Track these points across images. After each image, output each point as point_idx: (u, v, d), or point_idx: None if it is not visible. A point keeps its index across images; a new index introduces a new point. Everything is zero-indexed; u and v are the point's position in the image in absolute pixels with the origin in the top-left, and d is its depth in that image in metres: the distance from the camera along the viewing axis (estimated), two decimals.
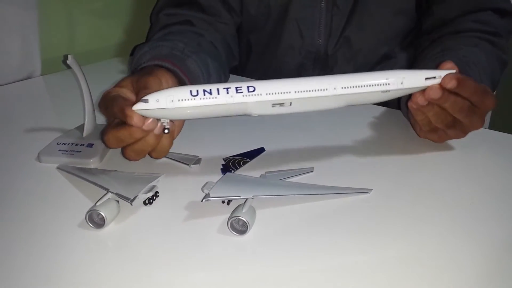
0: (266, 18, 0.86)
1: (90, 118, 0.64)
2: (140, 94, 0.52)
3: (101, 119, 0.66)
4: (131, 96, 0.55)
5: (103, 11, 1.09)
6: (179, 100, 0.50)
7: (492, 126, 1.12)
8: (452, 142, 0.66)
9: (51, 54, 0.97)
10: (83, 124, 0.63)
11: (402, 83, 0.55)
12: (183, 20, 0.82)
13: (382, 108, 0.78)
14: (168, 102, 0.50)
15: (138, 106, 0.50)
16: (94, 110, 0.64)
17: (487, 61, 0.72)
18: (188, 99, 0.50)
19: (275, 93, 0.53)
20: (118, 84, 0.57)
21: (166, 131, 0.52)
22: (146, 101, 0.50)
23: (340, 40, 0.86)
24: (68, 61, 0.59)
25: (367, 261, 0.43)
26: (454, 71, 0.56)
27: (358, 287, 0.40)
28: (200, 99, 0.51)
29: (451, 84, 0.54)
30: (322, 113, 0.75)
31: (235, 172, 0.57)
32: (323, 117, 0.74)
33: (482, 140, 0.68)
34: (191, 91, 0.51)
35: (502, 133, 0.70)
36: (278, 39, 0.87)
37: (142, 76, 0.56)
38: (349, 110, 0.77)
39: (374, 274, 0.41)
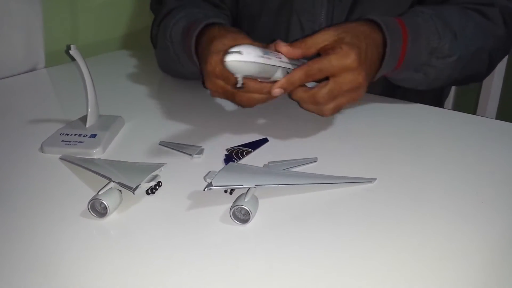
0: (261, 8, 0.86)
1: (93, 109, 0.64)
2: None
3: (104, 110, 0.66)
4: None
5: (107, 4, 1.09)
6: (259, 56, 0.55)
7: (499, 117, 1.11)
8: (459, 132, 0.65)
9: (55, 46, 0.97)
10: (86, 115, 0.63)
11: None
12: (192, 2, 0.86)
13: (387, 98, 0.78)
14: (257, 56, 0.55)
15: (235, 58, 0.53)
16: (97, 101, 0.64)
17: (470, 30, 0.72)
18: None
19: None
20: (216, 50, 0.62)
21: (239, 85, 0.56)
22: (240, 52, 0.53)
23: None
24: (70, 51, 0.59)
25: (370, 250, 0.42)
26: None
27: (361, 276, 0.40)
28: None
29: (277, 93, 0.59)
30: None
31: (238, 163, 0.57)
32: None
33: (491, 131, 0.67)
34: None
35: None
36: (278, 32, 0.86)
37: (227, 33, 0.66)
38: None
39: (378, 263, 0.41)
